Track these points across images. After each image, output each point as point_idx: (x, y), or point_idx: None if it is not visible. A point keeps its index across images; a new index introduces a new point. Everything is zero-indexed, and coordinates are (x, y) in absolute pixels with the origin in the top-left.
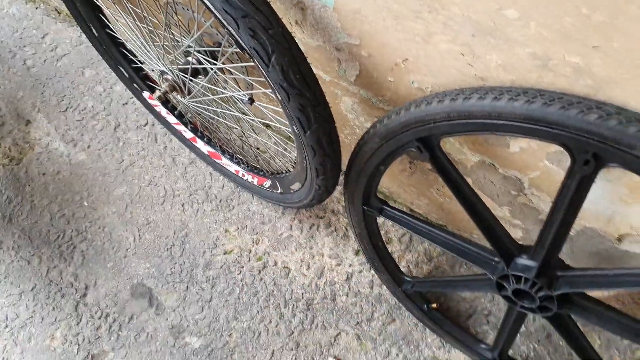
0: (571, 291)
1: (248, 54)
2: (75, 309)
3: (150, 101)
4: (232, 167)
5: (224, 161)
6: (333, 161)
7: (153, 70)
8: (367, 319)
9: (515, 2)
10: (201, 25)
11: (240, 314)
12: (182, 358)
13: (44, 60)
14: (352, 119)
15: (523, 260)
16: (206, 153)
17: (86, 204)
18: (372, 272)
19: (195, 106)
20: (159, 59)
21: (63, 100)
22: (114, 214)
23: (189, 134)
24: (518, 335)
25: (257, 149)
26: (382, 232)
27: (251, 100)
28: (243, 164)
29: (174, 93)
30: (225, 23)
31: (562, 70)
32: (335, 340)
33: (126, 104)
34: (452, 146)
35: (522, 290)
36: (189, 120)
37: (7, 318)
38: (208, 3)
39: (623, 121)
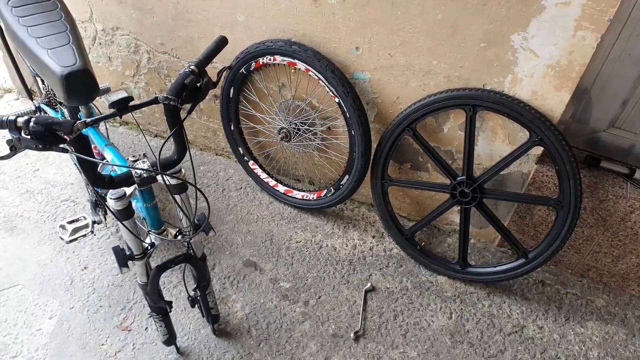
0: (479, 182)
1: (344, 107)
2: None
3: (251, 166)
4: (299, 195)
5: (294, 193)
6: (368, 146)
7: (274, 131)
8: (385, 266)
9: (433, 56)
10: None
11: (311, 269)
12: (280, 293)
13: None
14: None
15: (459, 178)
16: (282, 192)
17: None
18: (384, 244)
19: (294, 145)
20: (281, 122)
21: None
22: (227, 229)
23: (272, 182)
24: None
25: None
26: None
27: (329, 128)
28: (306, 191)
29: (284, 140)
30: (341, 99)
31: (451, 77)
32: (369, 277)
33: (227, 180)
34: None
35: (463, 191)
36: (273, 175)
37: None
38: (333, 89)
39: (478, 92)
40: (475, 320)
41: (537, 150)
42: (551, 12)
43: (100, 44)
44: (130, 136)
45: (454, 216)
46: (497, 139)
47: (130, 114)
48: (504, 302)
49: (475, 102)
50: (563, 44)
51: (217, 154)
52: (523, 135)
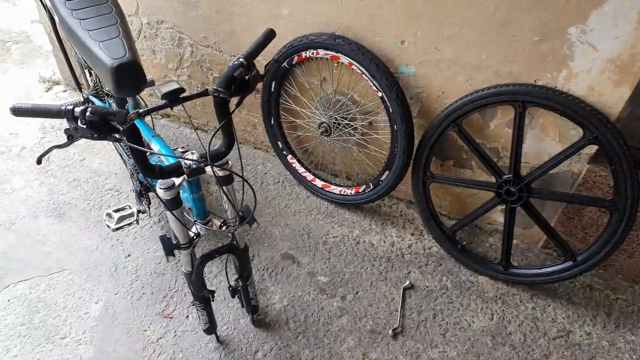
0: (526, 181)
1: (387, 101)
2: None
3: (290, 160)
4: (337, 190)
5: (332, 188)
6: (411, 142)
7: (314, 125)
8: (424, 264)
9: (483, 50)
10: (337, 102)
11: (348, 265)
12: (317, 287)
13: None
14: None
15: (506, 177)
16: (320, 186)
17: None
18: (423, 242)
19: (333, 139)
20: (321, 117)
21: None
22: (265, 221)
23: (310, 177)
24: None
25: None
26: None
27: (370, 123)
28: (343, 186)
29: (324, 135)
30: (384, 93)
31: (501, 72)
32: (407, 275)
33: (266, 173)
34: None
35: (509, 190)
36: (311, 169)
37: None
38: (376, 83)
39: (529, 87)
40: (517, 323)
41: (590, 149)
42: (614, 3)
43: (145, 37)
44: (172, 128)
45: (496, 215)
46: (547, 137)
47: (181, 105)
48: (549, 306)
49: (526, 98)
50: (625, 37)
51: (255, 148)
52: (575, 133)
